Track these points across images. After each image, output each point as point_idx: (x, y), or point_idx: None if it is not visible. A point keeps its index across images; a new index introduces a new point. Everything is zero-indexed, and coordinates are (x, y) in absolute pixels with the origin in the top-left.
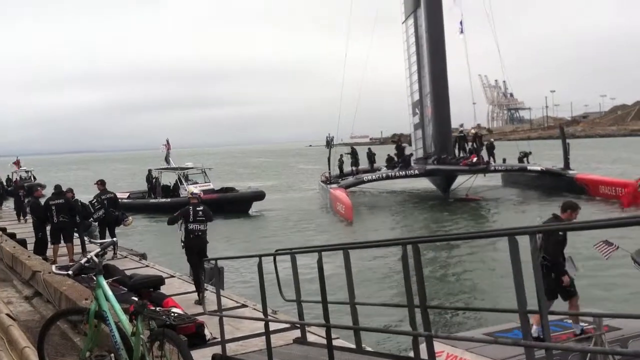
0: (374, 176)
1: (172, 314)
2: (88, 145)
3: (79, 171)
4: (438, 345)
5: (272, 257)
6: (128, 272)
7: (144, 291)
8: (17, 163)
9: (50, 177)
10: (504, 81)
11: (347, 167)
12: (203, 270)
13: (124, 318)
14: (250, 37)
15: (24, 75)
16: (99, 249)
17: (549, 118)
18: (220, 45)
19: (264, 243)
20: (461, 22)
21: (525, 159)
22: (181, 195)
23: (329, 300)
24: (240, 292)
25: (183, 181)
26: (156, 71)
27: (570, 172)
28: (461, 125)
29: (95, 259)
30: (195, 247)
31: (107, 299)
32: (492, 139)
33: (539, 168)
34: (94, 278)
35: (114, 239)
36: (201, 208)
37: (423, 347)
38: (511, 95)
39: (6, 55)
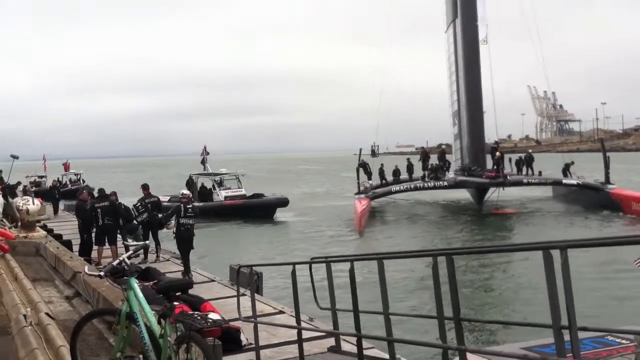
0: (402, 187)
1: (209, 319)
2: (135, 150)
3: (125, 174)
4: (473, 358)
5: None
6: (169, 275)
7: (172, 294)
8: (65, 166)
9: (97, 180)
10: (553, 92)
11: (389, 177)
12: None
13: (153, 320)
14: (293, 47)
15: (74, 82)
16: (131, 251)
17: (599, 130)
18: (266, 54)
19: (267, 250)
20: (486, 33)
21: (568, 171)
22: (214, 200)
23: (361, 310)
24: (279, 298)
25: (216, 186)
26: (203, 78)
27: (609, 186)
28: (509, 137)
29: (127, 261)
30: (184, 238)
31: (138, 300)
32: (530, 151)
33: (575, 182)
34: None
35: (147, 242)
36: (190, 206)
37: None
38: (561, 106)
39: (58, 63)
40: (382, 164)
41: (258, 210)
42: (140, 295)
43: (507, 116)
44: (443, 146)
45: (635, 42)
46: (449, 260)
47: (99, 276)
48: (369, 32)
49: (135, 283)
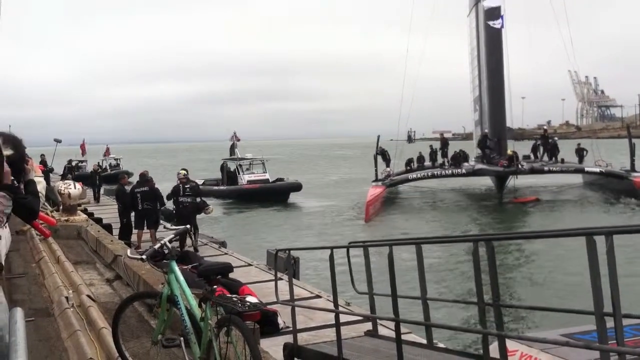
0: (419, 174)
1: (247, 302)
2: (173, 135)
3: (161, 160)
4: (512, 344)
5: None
6: (207, 259)
7: (213, 277)
8: (107, 151)
9: (136, 165)
10: (595, 77)
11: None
12: (196, 229)
13: (194, 303)
14: (329, 34)
15: (116, 69)
16: (172, 235)
17: None
18: (302, 41)
19: (265, 235)
20: (502, 17)
21: (582, 157)
22: (238, 184)
23: (399, 295)
24: (316, 282)
25: (240, 170)
26: (239, 65)
27: (634, 174)
28: (548, 122)
29: (168, 245)
30: (183, 215)
31: (179, 284)
32: (556, 138)
33: (597, 169)
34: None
35: (187, 226)
36: (188, 186)
37: (495, 346)
38: (602, 92)
39: (101, 50)
40: (418, 154)
41: (273, 194)
42: (182, 278)
43: (547, 102)
44: (485, 131)
45: None
46: (489, 246)
47: (141, 259)
48: (405, 20)
49: (176, 266)
